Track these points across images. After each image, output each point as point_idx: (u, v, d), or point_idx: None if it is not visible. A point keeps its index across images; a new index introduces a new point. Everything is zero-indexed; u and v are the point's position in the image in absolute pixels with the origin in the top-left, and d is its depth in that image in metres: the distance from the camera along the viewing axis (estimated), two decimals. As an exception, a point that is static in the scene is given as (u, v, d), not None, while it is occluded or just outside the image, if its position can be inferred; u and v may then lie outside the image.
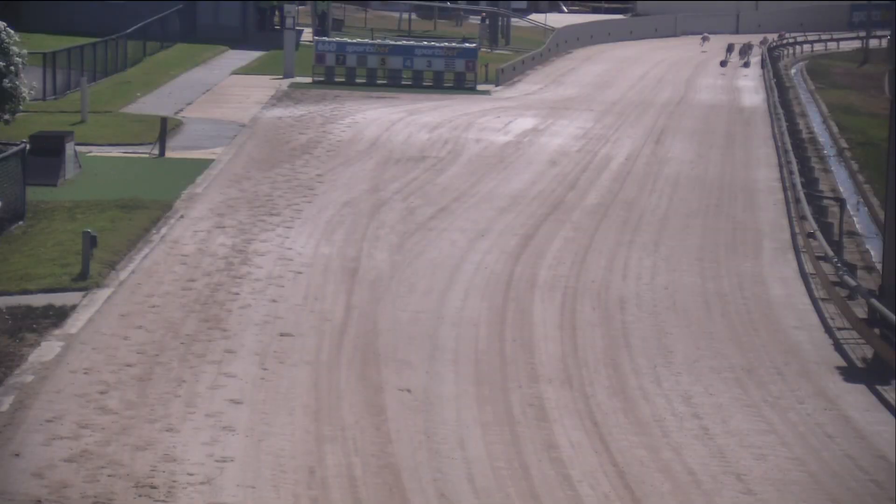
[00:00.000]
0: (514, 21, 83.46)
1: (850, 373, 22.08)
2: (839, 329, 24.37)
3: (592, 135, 45.21)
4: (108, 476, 16.43)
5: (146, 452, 17.17)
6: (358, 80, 56.46)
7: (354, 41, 59.45)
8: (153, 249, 27.53)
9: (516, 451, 17.96)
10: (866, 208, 35.68)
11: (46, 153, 33.13)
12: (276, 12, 72.30)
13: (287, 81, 55.77)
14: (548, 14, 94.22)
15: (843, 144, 45.92)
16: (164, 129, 38.43)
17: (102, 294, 24.23)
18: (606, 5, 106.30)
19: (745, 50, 73.54)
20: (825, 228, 30.12)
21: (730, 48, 73.20)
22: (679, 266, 28.27)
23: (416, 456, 17.57)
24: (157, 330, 22.25)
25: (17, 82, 34.88)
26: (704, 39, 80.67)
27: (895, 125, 24.02)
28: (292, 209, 31.69)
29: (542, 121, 47.75)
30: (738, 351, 22.83)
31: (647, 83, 61.92)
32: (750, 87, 61.86)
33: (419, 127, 44.76)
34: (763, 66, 68.44)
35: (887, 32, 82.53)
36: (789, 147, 40.75)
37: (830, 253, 27.45)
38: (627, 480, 17.17)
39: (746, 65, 70.58)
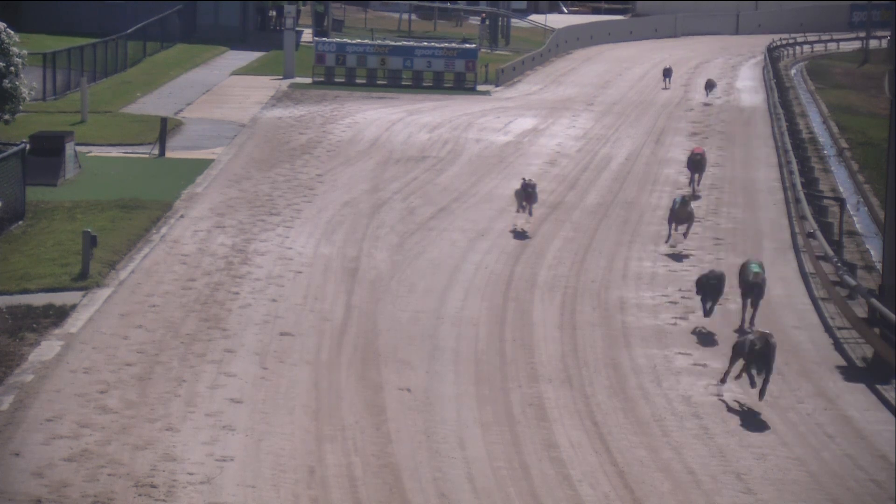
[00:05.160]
0: (514, 21, 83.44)
1: (850, 372, 22.06)
2: (839, 329, 24.35)
3: (592, 135, 45.18)
4: (108, 475, 16.43)
5: (146, 452, 17.17)
6: (358, 81, 56.45)
7: (354, 41, 59.41)
8: (153, 249, 27.53)
9: (516, 451, 17.95)
10: (866, 208, 35.66)
11: (46, 153, 33.17)
12: (279, 13, 72.24)
13: (287, 82, 55.76)
14: (548, 14, 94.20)
15: (843, 144, 45.89)
16: (164, 129, 38.44)
17: (102, 294, 24.23)
18: (606, 6, 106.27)
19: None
20: (825, 228, 30.11)
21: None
22: (679, 266, 28.25)
23: (416, 456, 17.57)
24: (157, 329, 22.26)
25: (17, 82, 34.93)
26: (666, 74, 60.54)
27: (895, 125, 24.00)
28: (292, 209, 31.68)
29: (542, 121, 47.72)
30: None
31: (647, 83, 61.88)
32: (750, 87, 61.81)
33: (419, 127, 44.75)
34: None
35: (887, 32, 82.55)
36: (789, 147, 40.71)
37: (830, 253, 27.42)
38: (627, 480, 17.17)
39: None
